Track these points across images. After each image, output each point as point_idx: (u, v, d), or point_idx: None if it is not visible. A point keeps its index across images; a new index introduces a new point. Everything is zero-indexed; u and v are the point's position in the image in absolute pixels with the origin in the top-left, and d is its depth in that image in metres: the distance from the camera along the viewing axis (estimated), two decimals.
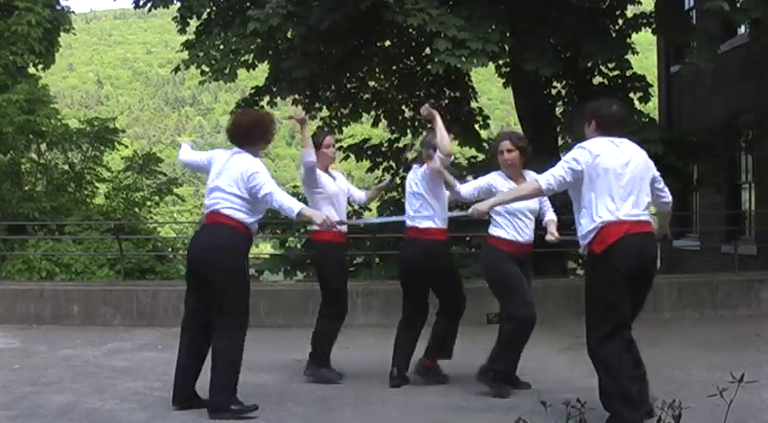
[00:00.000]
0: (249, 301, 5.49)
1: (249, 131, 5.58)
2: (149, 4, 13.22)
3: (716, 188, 13.79)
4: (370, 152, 14.49)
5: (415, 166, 6.36)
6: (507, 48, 11.08)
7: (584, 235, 4.87)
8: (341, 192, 6.57)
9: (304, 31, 11.14)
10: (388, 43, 13.85)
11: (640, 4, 12.15)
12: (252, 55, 13.03)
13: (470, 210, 5.55)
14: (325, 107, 14.51)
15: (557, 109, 13.08)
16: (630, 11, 12.39)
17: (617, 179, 4.82)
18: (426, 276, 6.14)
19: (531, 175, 5.97)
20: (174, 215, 26.69)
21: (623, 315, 4.78)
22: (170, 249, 15.01)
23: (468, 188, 6.10)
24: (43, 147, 15.72)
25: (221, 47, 12.77)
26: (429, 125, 15.22)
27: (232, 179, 5.42)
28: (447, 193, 6.16)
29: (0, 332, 8.80)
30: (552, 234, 6.02)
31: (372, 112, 14.56)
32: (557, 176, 4.95)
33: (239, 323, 5.41)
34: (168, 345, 8.22)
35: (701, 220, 16.03)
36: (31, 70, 16.43)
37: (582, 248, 4.98)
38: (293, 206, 5.42)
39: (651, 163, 5.15)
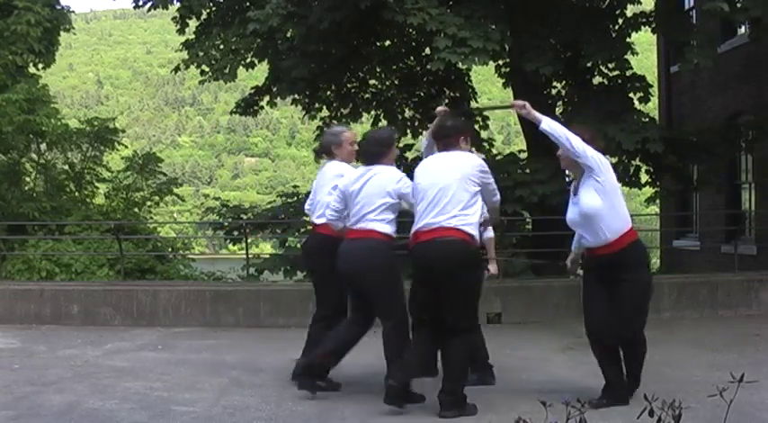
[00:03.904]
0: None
1: None
2: (149, 5, 13.23)
3: (716, 188, 13.80)
4: None
5: None
6: (507, 47, 11.08)
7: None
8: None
9: (304, 30, 11.15)
10: (388, 43, 13.87)
11: (640, 3, 12.15)
12: (252, 55, 13.04)
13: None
14: (325, 107, 14.52)
15: (557, 109, 13.08)
16: (630, 10, 12.39)
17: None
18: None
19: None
20: (174, 215, 26.67)
21: None
22: (170, 249, 15.00)
23: None
24: (43, 147, 15.70)
25: (221, 47, 12.79)
26: (428, 124, 15.29)
27: None
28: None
29: (0, 332, 8.80)
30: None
31: (372, 112, 14.56)
32: None
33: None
34: (168, 345, 8.22)
35: (700, 220, 16.03)
36: (31, 70, 16.41)
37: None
38: None
39: None
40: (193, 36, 13.65)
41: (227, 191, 56.74)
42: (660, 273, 15.25)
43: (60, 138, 15.19)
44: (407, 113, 14.57)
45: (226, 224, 14.14)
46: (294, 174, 67.93)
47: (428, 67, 11.76)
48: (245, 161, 76.08)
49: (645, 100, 12.36)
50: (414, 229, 5.31)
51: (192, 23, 13.83)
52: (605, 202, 5.16)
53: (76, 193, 15.81)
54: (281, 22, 10.82)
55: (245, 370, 6.85)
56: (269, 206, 15.12)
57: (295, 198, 14.23)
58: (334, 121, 14.52)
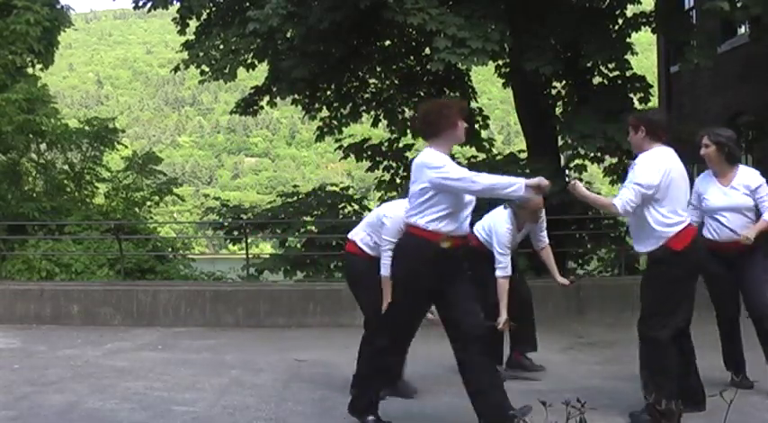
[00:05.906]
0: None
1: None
2: (149, 5, 13.22)
3: None
4: (369, 152, 14.48)
5: None
6: (507, 47, 11.08)
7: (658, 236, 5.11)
8: None
9: (304, 31, 11.14)
10: (388, 43, 13.86)
11: (640, 3, 12.15)
12: (252, 55, 13.03)
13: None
14: (325, 107, 14.52)
15: (557, 109, 13.08)
16: (630, 10, 12.39)
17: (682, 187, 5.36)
18: None
19: (741, 170, 5.96)
20: (174, 215, 26.66)
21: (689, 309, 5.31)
22: (170, 249, 14.99)
23: None
24: (43, 146, 15.68)
25: (221, 47, 12.78)
26: None
27: None
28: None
29: (0, 332, 8.81)
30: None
31: (372, 112, 14.56)
32: (630, 201, 5.21)
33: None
34: (168, 345, 8.23)
35: None
36: (31, 70, 16.40)
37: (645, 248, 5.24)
38: None
39: None
40: (193, 36, 13.65)
41: (227, 191, 56.75)
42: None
43: (60, 138, 15.18)
44: (407, 113, 14.56)
45: (226, 224, 14.12)
46: (294, 174, 67.98)
47: (428, 67, 11.74)
48: (245, 161, 76.12)
49: (645, 100, 12.36)
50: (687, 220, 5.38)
51: (192, 24, 13.83)
52: None
53: (76, 193, 15.79)
54: (281, 22, 10.81)
55: (245, 370, 6.85)
56: (269, 206, 15.10)
57: (295, 198, 14.21)
58: (335, 122, 14.53)
